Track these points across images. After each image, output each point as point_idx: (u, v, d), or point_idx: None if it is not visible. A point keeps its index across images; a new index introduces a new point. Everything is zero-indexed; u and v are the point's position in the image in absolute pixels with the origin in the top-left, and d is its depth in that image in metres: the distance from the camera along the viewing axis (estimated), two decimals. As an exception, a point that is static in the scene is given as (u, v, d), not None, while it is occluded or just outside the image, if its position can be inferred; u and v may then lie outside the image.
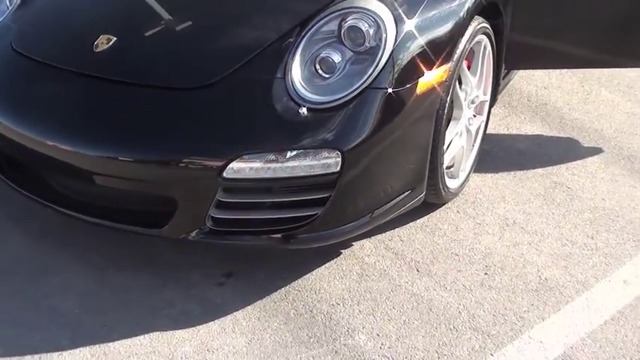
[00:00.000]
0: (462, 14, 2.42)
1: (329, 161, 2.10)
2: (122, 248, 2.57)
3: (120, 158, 2.17)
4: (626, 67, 3.31)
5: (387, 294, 2.39)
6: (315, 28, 2.23)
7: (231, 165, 2.07)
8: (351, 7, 2.24)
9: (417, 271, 2.49)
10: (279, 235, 2.23)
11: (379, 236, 2.61)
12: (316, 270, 2.48)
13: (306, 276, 2.46)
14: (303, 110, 2.10)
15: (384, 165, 2.23)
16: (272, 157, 2.09)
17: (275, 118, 2.11)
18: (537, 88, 3.74)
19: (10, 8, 2.74)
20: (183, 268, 2.50)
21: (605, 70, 3.78)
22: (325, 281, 2.44)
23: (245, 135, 2.10)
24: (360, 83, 2.13)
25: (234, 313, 2.31)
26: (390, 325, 2.26)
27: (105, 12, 2.59)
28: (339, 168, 2.11)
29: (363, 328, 2.25)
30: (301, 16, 2.31)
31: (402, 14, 2.25)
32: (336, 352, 2.16)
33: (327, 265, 2.51)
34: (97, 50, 2.34)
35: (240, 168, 2.09)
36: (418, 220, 2.71)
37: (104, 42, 2.35)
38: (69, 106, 2.29)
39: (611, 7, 2.96)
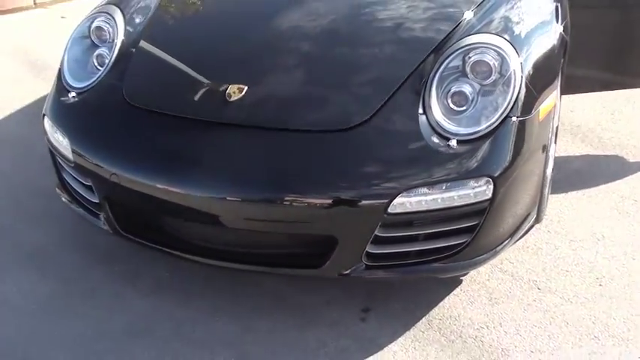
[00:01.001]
0: (557, 46, 2.61)
1: (481, 189, 2.22)
2: (241, 296, 2.62)
3: (280, 202, 2.20)
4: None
5: (522, 313, 2.51)
6: (443, 65, 2.35)
7: (395, 201, 2.15)
8: (474, 44, 2.37)
9: (539, 289, 2.62)
10: (435, 265, 2.30)
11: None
12: (446, 298, 2.58)
13: (440, 304, 2.56)
14: (453, 143, 2.22)
15: (518, 191, 2.37)
16: (430, 190, 2.19)
17: (427, 152, 2.22)
18: (565, 112, 3.98)
19: (104, 67, 2.71)
20: (318, 307, 2.55)
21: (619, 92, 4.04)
22: (460, 308, 2.53)
23: (404, 171, 2.19)
24: (499, 113, 2.27)
25: (390, 346, 2.38)
26: (538, 342, 2.39)
27: (226, 60, 2.63)
28: (490, 195, 2.23)
29: (516, 347, 2.37)
30: (424, 52, 2.45)
31: (517, 47, 2.40)
32: (500, 371, 2.24)
33: (454, 292, 2.61)
34: (232, 100, 2.38)
35: (402, 203, 2.17)
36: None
37: (236, 91, 2.40)
38: (215, 156, 2.30)
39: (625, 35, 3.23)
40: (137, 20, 2.88)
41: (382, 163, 2.22)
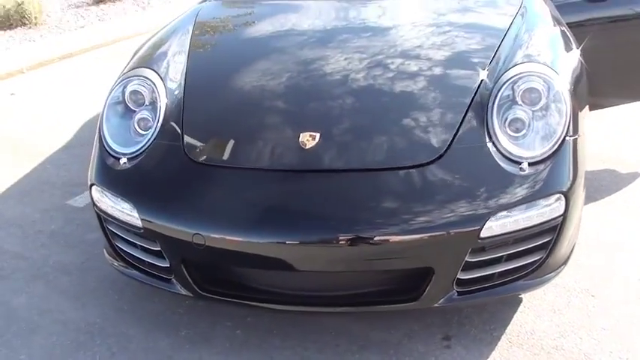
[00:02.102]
0: (583, 69, 2.85)
1: (555, 205, 2.39)
2: (318, 342, 2.66)
3: (378, 241, 2.27)
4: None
5: (587, 319, 2.69)
6: (498, 96, 2.52)
7: (486, 225, 2.28)
8: (521, 73, 2.57)
9: (592, 296, 2.81)
10: (518, 283, 2.43)
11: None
12: (515, 316, 2.74)
13: (512, 322, 2.71)
14: (524, 166, 2.38)
15: (578, 205, 2.55)
16: (510, 212, 2.33)
17: (504, 177, 2.37)
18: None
19: (152, 129, 2.69)
20: (401, 341, 2.63)
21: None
22: (531, 322, 2.70)
23: (488, 197, 2.32)
24: (558, 135, 2.46)
25: (484, 368, 2.47)
26: (612, 343, 2.56)
27: (288, 109, 2.70)
28: (562, 210, 2.40)
29: (594, 350, 2.53)
30: (473, 84, 2.65)
31: (558, 72, 2.62)
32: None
33: (519, 310, 2.77)
34: (308, 148, 2.45)
35: (489, 227, 2.30)
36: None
37: (309, 139, 2.47)
38: (304, 203, 2.36)
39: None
40: (174, 77, 2.89)
41: (468, 192, 2.34)
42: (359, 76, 2.77)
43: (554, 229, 2.43)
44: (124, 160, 2.65)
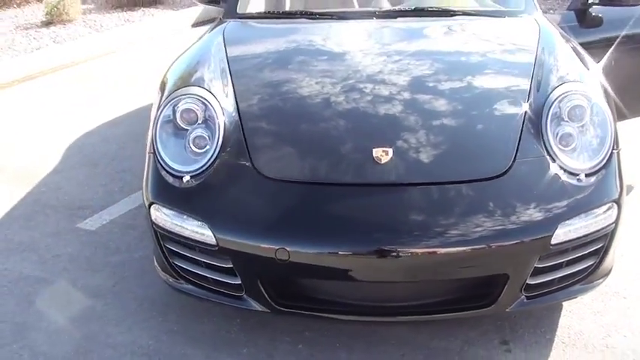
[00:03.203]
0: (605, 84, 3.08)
1: (609, 213, 2.57)
2: (383, 354, 2.73)
3: (464, 250, 2.39)
4: None
5: (626, 319, 2.89)
6: (549, 114, 2.70)
7: (556, 232, 2.44)
8: (566, 92, 2.76)
9: (624, 297, 3.03)
10: (576, 287, 2.61)
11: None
12: (561, 319, 2.89)
13: (561, 325, 2.87)
14: (582, 177, 2.56)
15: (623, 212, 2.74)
16: (573, 220, 2.49)
17: (566, 187, 2.53)
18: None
19: (213, 147, 2.70)
20: (462, 348, 2.74)
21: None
22: (577, 324, 2.88)
23: (556, 206, 2.48)
24: (607, 148, 2.65)
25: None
26: (656, 340, 2.75)
27: (355, 124, 2.77)
28: (615, 217, 2.59)
29: (637, 346, 2.71)
30: (522, 100, 2.81)
31: (596, 90, 2.84)
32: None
33: (563, 314, 2.94)
34: (383, 162, 2.54)
35: (559, 234, 2.46)
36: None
37: (383, 154, 2.56)
38: (388, 215, 2.44)
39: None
40: (224, 95, 2.91)
41: (536, 202, 2.49)
42: (416, 94, 2.90)
43: (607, 235, 2.61)
44: (187, 178, 2.65)
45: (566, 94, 2.76)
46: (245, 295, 2.58)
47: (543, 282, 2.57)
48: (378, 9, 3.83)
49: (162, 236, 2.70)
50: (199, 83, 2.97)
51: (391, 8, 3.83)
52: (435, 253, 2.40)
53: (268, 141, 2.76)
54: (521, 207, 2.47)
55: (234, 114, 2.83)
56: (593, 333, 2.81)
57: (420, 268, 2.44)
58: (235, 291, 2.60)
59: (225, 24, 3.77)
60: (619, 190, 2.61)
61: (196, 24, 8.53)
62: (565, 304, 2.97)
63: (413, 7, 3.79)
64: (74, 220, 3.89)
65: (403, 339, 2.79)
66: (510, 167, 2.55)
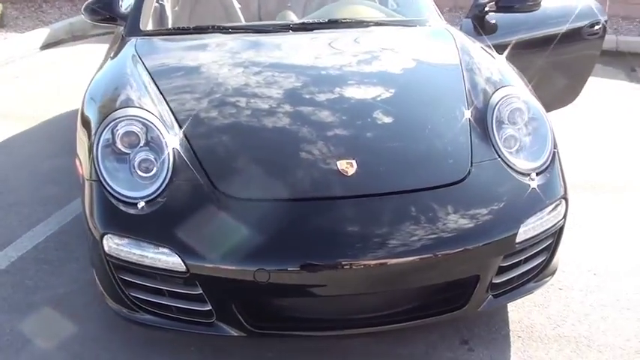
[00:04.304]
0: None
1: (560, 209, 2.72)
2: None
3: (437, 255, 2.43)
4: None
5: (576, 306, 3.07)
6: (494, 116, 2.83)
7: (520, 231, 2.55)
8: (506, 96, 2.90)
9: (560, 289, 3.20)
10: (530, 285, 2.75)
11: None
12: (508, 315, 3.01)
13: (510, 320, 2.97)
14: (533, 176, 2.70)
15: None
16: (533, 217, 2.62)
17: (522, 187, 2.64)
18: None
19: (163, 170, 2.57)
20: (427, 351, 2.79)
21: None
22: (525, 319, 2.99)
23: (516, 206, 2.60)
24: (549, 148, 2.80)
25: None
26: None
27: (312, 137, 2.73)
28: (564, 213, 2.75)
29: (604, 332, 2.89)
30: (462, 106, 2.91)
31: (529, 94, 3.01)
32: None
33: (509, 309, 3.05)
34: (350, 175, 2.54)
35: (521, 233, 2.58)
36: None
37: (348, 166, 2.55)
38: (359, 227, 2.42)
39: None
40: (162, 115, 2.79)
41: (499, 202, 2.59)
42: (364, 105, 2.93)
43: (557, 232, 2.75)
44: (141, 204, 2.50)
45: (504, 98, 2.89)
46: (216, 321, 2.46)
47: (506, 280, 2.66)
48: (291, 22, 3.82)
49: (116, 267, 2.53)
50: (132, 104, 2.80)
51: (306, 21, 3.83)
52: (410, 261, 2.42)
53: (224, 159, 2.66)
54: (486, 208, 2.55)
55: (177, 133, 2.71)
56: (543, 325, 2.95)
57: (396, 277, 2.45)
58: (205, 318, 2.49)
59: (132, 41, 3.59)
60: (564, 186, 2.76)
61: (45, 46, 8.07)
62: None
63: (327, 20, 3.80)
64: (-23, 260, 3.54)
65: (369, 350, 2.79)
66: (469, 172, 2.62)
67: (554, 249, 2.78)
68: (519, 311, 3.03)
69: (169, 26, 4.04)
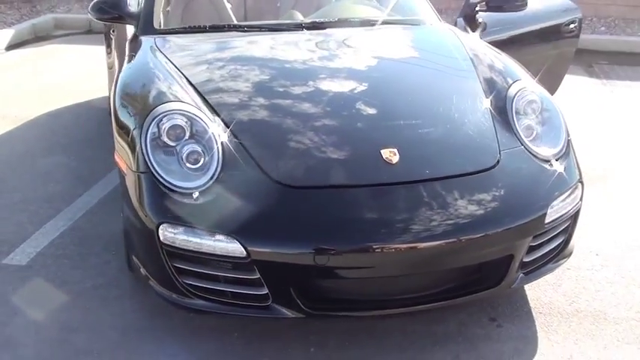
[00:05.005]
0: None
1: (577, 192, 2.94)
2: (386, 339, 2.88)
3: (480, 236, 2.60)
4: None
5: (586, 283, 3.31)
6: (514, 108, 3.04)
7: (548, 211, 2.77)
8: (521, 89, 3.12)
9: (568, 269, 3.43)
10: (550, 265, 2.95)
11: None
12: (526, 293, 3.22)
13: (529, 298, 3.19)
14: (554, 161, 2.91)
15: None
16: (557, 200, 2.82)
17: (546, 171, 2.86)
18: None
19: (211, 161, 2.66)
20: (456, 329, 2.96)
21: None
22: (542, 297, 3.21)
23: (544, 189, 2.80)
24: (564, 135, 3.03)
25: (538, 333, 2.95)
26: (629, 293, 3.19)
27: (356, 128, 2.90)
28: (580, 196, 2.97)
29: (616, 305, 3.12)
30: (483, 98, 3.11)
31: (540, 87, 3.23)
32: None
33: (526, 288, 3.26)
34: (394, 162, 2.70)
35: (549, 214, 2.79)
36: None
37: (391, 154, 2.71)
38: (408, 212, 2.57)
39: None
40: (198, 107, 2.89)
41: (529, 185, 2.78)
42: (396, 98, 3.12)
43: (575, 214, 2.97)
44: (196, 194, 2.60)
45: (520, 91, 3.10)
46: (272, 304, 2.58)
47: (534, 259, 2.86)
48: (303, 21, 3.94)
49: (170, 255, 2.62)
50: (172, 98, 2.90)
51: (317, 20, 3.95)
52: (454, 242, 2.58)
53: (272, 149, 2.77)
54: (517, 192, 2.75)
55: (220, 125, 2.81)
56: (560, 302, 3.17)
57: (441, 258, 2.62)
58: (261, 301, 2.59)
59: (149, 39, 3.65)
60: (579, 171, 2.98)
61: (10, 47, 7.96)
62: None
63: (337, 19, 3.94)
64: (-5, 258, 3.55)
65: (405, 330, 2.94)
66: (500, 158, 2.81)
67: (572, 231, 2.98)
68: (535, 290, 3.24)
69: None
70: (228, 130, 2.79)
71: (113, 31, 4.72)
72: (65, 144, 5.10)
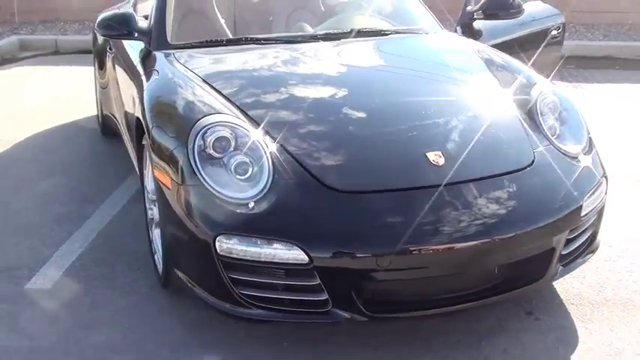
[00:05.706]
0: None
1: (603, 187, 3.08)
2: (431, 339, 2.96)
3: (525, 231, 2.71)
4: None
5: (610, 274, 3.45)
6: (539, 108, 3.18)
7: (584, 204, 2.90)
8: (543, 91, 3.26)
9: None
10: (580, 259, 3.08)
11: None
12: (553, 287, 3.35)
13: (559, 290, 3.32)
14: (580, 158, 3.06)
15: None
16: (588, 194, 2.96)
17: (575, 167, 3.00)
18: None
19: (264, 172, 2.71)
20: (500, 324, 3.04)
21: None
22: (570, 289, 3.34)
23: (577, 184, 2.93)
24: (585, 132, 3.19)
25: (576, 324, 3.06)
26: None
27: (400, 131, 2.99)
28: (605, 190, 3.12)
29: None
30: (505, 97, 3.26)
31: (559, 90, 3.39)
32: None
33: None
34: (440, 165, 2.79)
35: (584, 207, 2.92)
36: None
37: (437, 157, 2.80)
38: (460, 212, 2.66)
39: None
40: (244, 117, 2.95)
41: (562, 183, 2.90)
42: (428, 103, 3.22)
43: (602, 208, 3.12)
44: (251, 204, 2.63)
45: (542, 93, 3.24)
46: (333, 309, 2.62)
47: (569, 252, 2.98)
48: (318, 32, 4.02)
49: (227, 266, 2.64)
50: (211, 111, 2.93)
51: (331, 31, 4.03)
52: (504, 239, 2.68)
53: (320, 155, 2.82)
54: (554, 187, 2.87)
55: (264, 134, 2.85)
56: (588, 292, 3.30)
57: (492, 255, 2.71)
58: (320, 307, 2.63)
59: (167, 54, 3.67)
60: (603, 167, 3.13)
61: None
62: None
63: (349, 29, 4.03)
64: (17, 282, 3.49)
65: (447, 329, 3.00)
66: (535, 157, 2.93)
67: (598, 225, 3.12)
68: (562, 283, 3.35)
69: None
70: (274, 139, 2.81)
71: (110, 49, 4.68)
72: (61, 165, 5.04)
